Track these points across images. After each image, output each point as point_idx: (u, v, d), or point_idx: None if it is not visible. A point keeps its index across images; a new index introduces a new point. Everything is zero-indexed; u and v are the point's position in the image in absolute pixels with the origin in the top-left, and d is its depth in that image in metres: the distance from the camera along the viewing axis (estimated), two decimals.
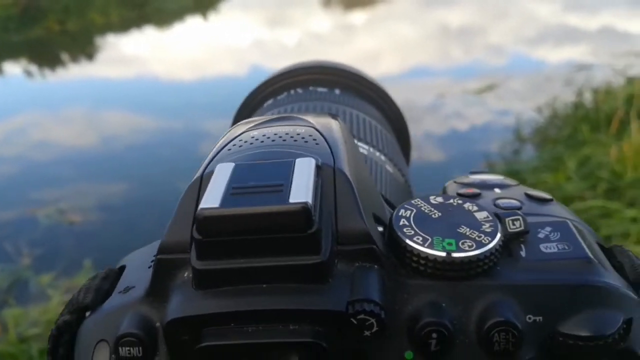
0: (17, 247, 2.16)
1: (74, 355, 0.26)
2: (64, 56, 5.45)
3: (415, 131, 2.93)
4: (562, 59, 4.02)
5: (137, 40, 6.18)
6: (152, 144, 3.15)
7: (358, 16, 7.05)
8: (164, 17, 6.81)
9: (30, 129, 3.49)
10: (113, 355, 0.24)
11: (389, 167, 0.46)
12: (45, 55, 5.49)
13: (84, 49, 5.63)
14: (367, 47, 4.99)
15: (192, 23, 6.93)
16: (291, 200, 0.22)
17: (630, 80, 2.89)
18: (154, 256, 0.25)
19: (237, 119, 0.61)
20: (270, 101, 0.58)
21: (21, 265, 2.07)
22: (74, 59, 5.35)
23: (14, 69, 5.27)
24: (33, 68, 5.15)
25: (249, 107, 0.60)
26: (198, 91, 3.99)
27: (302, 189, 0.22)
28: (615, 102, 2.65)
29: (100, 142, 3.26)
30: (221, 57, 5.11)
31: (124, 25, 6.39)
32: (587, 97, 2.96)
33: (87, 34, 6.07)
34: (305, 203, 0.21)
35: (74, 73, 4.96)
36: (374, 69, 4.15)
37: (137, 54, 5.48)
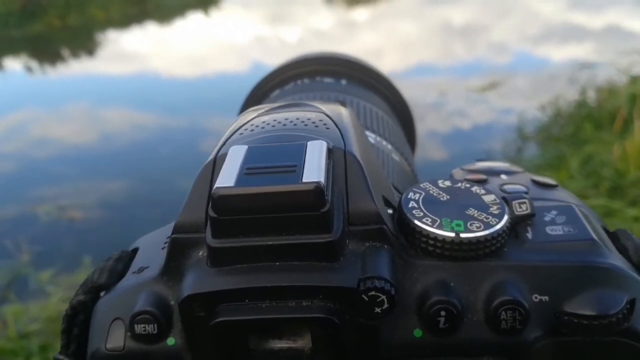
0: (17, 244, 2.15)
1: (88, 334, 0.26)
2: (65, 52, 5.44)
3: (418, 129, 2.93)
4: (565, 57, 4.01)
5: (138, 36, 6.17)
6: (152, 141, 3.14)
7: (360, 13, 7.04)
8: (165, 13, 6.80)
9: (30, 126, 3.48)
10: (129, 333, 0.25)
11: (396, 156, 0.47)
12: (46, 51, 5.48)
13: (85, 44, 5.62)
14: (370, 45, 4.98)
15: (194, 19, 6.92)
16: (304, 179, 0.22)
17: (634, 79, 2.88)
18: (167, 237, 0.25)
19: (244, 109, 0.61)
20: (277, 91, 0.58)
21: (21, 261, 2.07)
22: (75, 54, 5.34)
23: (14, 64, 5.27)
24: (33, 64, 5.15)
25: (255, 97, 0.60)
26: (199, 88, 3.98)
27: (314, 169, 0.23)
28: (618, 101, 2.65)
29: (100, 139, 3.26)
30: (223, 54, 5.10)
31: (125, 21, 6.39)
32: (591, 96, 2.95)
33: (87, 30, 6.06)
34: (318, 182, 0.22)
35: (74, 69, 4.95)
36: (377, 67, 4.13)
37: (138, 50, 5.47)
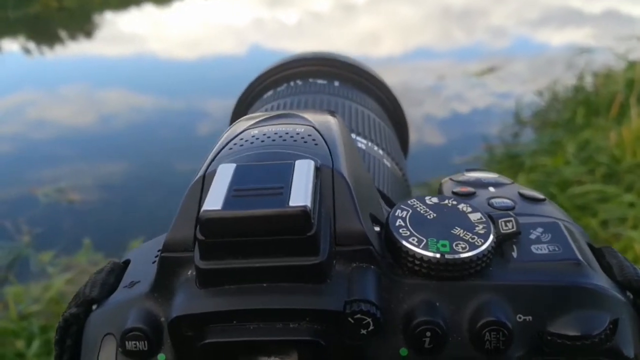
0: (17, 226, 2.17)
1: (81, 347, 0.27)
2: (62, 33, 5.41)
3: (415, 114, 2.93)
4: (563, 42, 4.00)
5: (135, 17, 6.12)
6: (151, 123, 3.14)
7: None
8: None
9: (28, 107, 3.47)
10: (120, 349, 0.25)
11: (387, 162, 0.47)
12: (43, 33, 5.44)
13: (82, 26, 5.58)
14: (368, 28, 4.95)
15: (192, 1, 6.86)
16: (291, 203, 0.22)
17: (631, 64, 2.88)
18: (158, 251, 0.25)
19: (237, 109, 0.61)
20: (270, 92, 0.58)
21: (21, 243, 2.08)
22: (72, 36, 5.31)
23: (11, 46, 5.23)
24: (31, 45, 5.12)
25: (249, 97, 0.60)
26: (197, 70, 3.97)
27: (301, 192, 0.23)
28: (615, 86, 2.65)
29: (99, 120, 3.25)
30: (221, 36, 5.07)
31: (123, 3, 6.33)
32: (588, 81, 2.95)
33: (85, 11, 6.01)
34: (305, 207, 0.22)
35: (72, 50, 4.92)
36: (375, 51, 4.12)
37: (136, 31, 5.43)
